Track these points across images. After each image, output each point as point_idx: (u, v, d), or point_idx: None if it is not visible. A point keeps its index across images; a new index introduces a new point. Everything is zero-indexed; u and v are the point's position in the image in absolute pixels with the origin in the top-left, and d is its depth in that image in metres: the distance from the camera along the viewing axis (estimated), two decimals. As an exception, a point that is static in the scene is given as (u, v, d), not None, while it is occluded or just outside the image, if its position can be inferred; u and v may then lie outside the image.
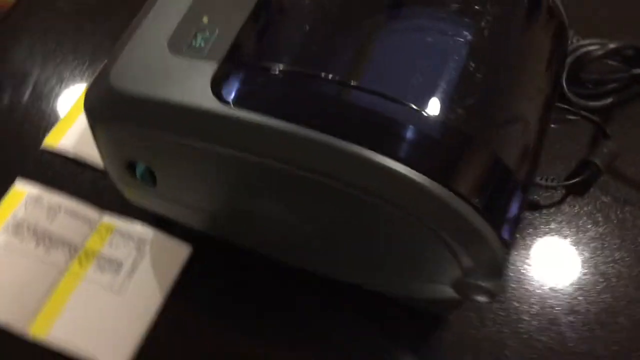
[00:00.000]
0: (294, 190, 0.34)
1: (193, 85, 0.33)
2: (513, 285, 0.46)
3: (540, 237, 0.48)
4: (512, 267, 0.46)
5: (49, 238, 0.47)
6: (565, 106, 0.52)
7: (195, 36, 0.35)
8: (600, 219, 0.48)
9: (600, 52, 0.50)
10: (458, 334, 0.44)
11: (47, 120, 0.53)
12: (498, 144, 0.34)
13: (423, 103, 0.32)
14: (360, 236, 0.35)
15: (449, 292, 0.36)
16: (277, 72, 0.33)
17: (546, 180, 0.47)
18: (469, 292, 0.34)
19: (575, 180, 0.48)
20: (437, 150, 0.32)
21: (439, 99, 0.33)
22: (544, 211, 0.49)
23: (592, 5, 0.58)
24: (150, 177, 0.38)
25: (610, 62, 0.53)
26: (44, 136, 0.52)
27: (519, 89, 0.36)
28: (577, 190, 0.49)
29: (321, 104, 0.32)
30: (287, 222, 0.37)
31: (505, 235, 0.33)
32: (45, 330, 0.43)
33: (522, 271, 0.46)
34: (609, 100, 0.52)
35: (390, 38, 0.35)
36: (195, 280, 0.46)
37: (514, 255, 0.47)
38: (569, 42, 0.53)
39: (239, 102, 0.32)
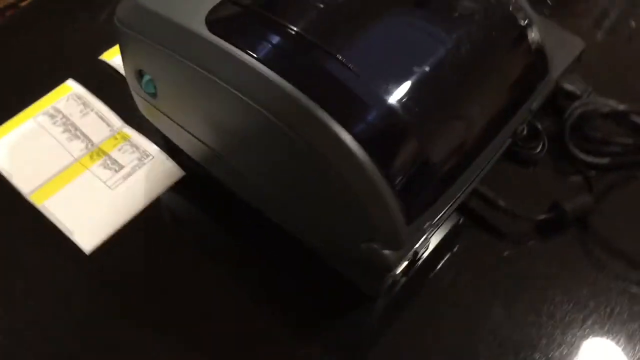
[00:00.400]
0: (255, 132, 0.39)
1: (195, 12, 0.39)
2: (449, 296, 0.48)
3: (488, 261, 0.50)
4: (452, 278, 0.49)
5: (75, 129, 0.55)
6: (563, 153, 0.54)
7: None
8: (554, 262, 0.50)
9: (606, 110, 0.52)
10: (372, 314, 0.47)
11: (112, 40, 0.61)
12: (430, 136, 0.37)
13: (375, 79, 0.36)
14: (285, 177, 0.40)
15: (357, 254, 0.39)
16: (260, 17, 0.38)
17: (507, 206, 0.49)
18: (369, 255, 0.38)
19: (539, 217, 0.50)
20: (373, 121, 0.36)
21: (391, 79, 0.37)
22: (502, 238, 0.51)
23: (623, 70, 0.60)
24: (152, 88, 0.45)
25: (621, 128, 0.54)
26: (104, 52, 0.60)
27: (470, 98, 0.39)
28: (540, 228, 0.51)
29: (290, 55, 0.37)
30: (246, 163, 0.42)
31: (412, 212, 0.36)
32: (42, 199, 0.51)
33: (459, 286, 0.49)
34: (606, 160, 0.53)
35: (379, 20, 0.39)
36: (178, 201, 0.52)
37: (459, 268, 0.49)
38: (585, 96, 0.55)
39: (221, 33, 0.38)
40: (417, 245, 0.43)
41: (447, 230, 0.51)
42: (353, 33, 0.38)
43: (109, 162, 0.53)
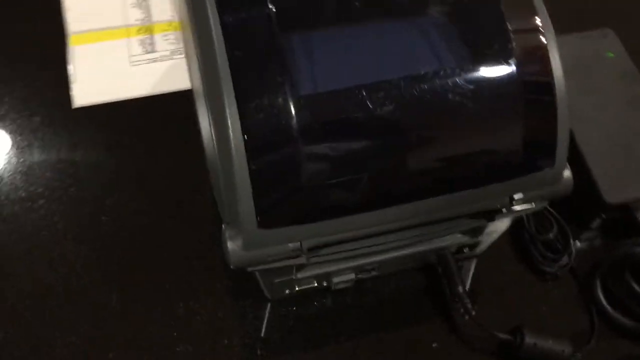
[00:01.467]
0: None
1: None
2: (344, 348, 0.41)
3: (413, 340, 0.41)
4: (359, 334, 0.42)
5: (145, 0, 0.55)
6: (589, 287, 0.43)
7: None
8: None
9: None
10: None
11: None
12: (318, 158, 0.30)
13: (304, 79, 0.30)
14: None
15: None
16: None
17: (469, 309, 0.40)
18: (222, 241, 0.33)
19: (494, 332, 0.40)
20: (268, 117, 0.30)
21: (320, 83, 0.30)
22: (448, 327, 0.42)
23: None
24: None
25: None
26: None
27: (402, 140, 0.31)
28: (498, 346, 0.41)
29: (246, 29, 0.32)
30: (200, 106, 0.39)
31: (269, 219, 0.31)
32: (77, 43, 0.52)
33: (361, 346, 0.41)
34: (632, 324, 0.41)
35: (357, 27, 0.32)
36: (176, 106, 0.50)
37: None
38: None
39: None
40: (315, 271, 0.37)
41: (397, 283, 0.44)
42: (325, 34, 0.32)
43: (148, 41, 0.53)
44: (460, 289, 0.40)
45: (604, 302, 0.42)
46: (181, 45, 0.52)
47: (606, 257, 0.42)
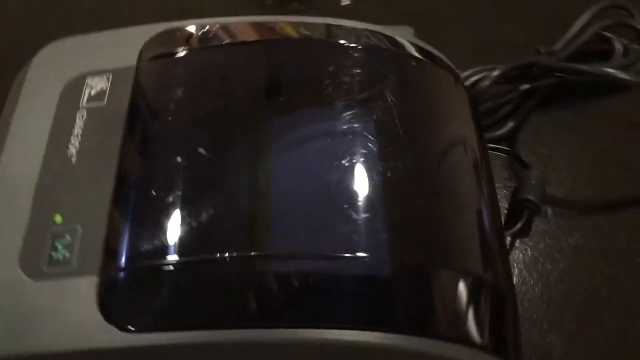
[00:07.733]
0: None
1: (76, 316, 0.23)
2: None
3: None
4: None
5: None
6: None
7: (53, 246, 0.25)
8: (557, 255, 0.44)
9: (487, 83, 0.47)
10: None
11: None
12: None
13: None
14: None
15: None
16: (173, 268, 0.24)
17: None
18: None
19: (520, 226, 0.43)
20: None
21: None
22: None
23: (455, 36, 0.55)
24: None
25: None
26: None
27: None
28: (522, 234, 0.45)
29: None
30: None
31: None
32: None
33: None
34: (510, 124, 0.49)
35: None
36: None
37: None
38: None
39: (143, 324, 0.23)
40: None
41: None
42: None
43: None
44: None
45: (487, 133, 0.48)
46: None
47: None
